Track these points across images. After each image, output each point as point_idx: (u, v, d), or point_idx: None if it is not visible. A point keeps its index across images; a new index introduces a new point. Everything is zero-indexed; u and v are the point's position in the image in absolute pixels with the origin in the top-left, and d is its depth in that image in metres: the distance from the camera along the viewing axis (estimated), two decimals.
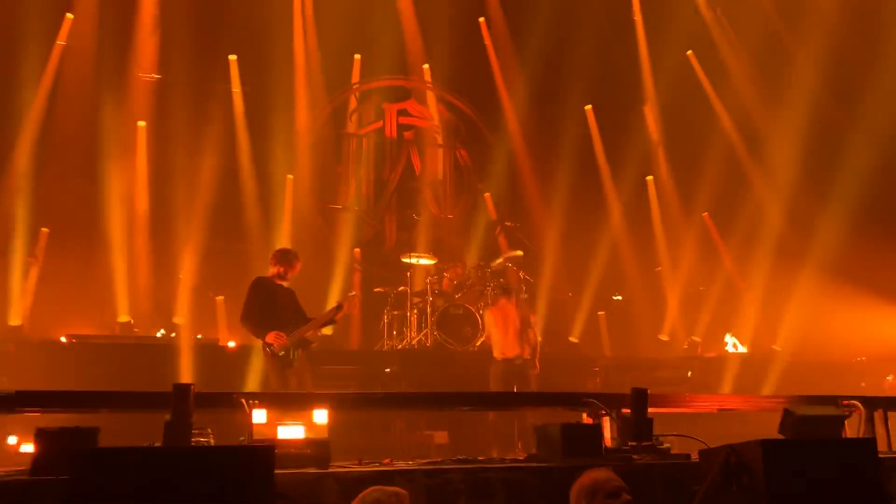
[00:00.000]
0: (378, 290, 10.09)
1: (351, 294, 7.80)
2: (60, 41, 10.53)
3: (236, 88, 11.51)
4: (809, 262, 11.20)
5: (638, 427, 4.50)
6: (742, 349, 10.77)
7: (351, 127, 12.59)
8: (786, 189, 11.84)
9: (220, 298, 10.24)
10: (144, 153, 10.79)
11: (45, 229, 9.92)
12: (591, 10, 12.44)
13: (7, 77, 10.06)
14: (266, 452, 2.42)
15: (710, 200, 12.31)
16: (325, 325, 7.09)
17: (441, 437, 7.61)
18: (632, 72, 13.07)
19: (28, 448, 6.16)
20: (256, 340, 7.24)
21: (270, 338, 6.59)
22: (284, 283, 7.07)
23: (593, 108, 13.08)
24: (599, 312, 11.76)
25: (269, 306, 6.82)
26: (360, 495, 2.88)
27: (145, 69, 10.85)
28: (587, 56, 12.22)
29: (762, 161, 12.44)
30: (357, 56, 12.23)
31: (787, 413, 4.76)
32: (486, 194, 12.80)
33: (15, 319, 9.21)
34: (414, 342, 9.42)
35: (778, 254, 11.53)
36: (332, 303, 8.27)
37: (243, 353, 8.07)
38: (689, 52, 13.12)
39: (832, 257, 11.01)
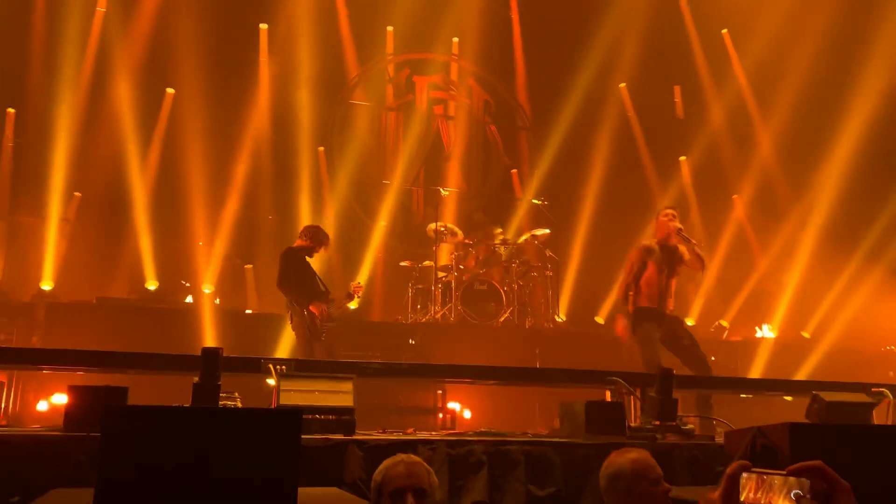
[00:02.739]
0: (403, 263, 10.11)
1: (356, 283, 7.99)
2: (100, 7, 10.59)
3: (264, 57, 11.50)
4: (842, 249, 10.99)
5: (662, 407, 4.48)
6: (770, 334, 10.64)
7: (388, 101, 12.54)
8: (826, 172, 11.54)
9: (249, 267, 10.34)
10: (166, 119, 10.83)
11: (77, 193, 10.05)
12: None
13: (50, 42, 10.16)
14: (294, 416, 2.44)
15: (745, 183, 12.10)
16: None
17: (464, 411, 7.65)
18: (668, 50, 12.80)
19: (43, 406, 6.36)
20: (281, 308, 7.35)
21: (315, 308, 6.75)
22: (310, 259, 7.24)
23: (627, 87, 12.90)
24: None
25: (302, 277, 6.98)
26: (384, 465, 2.82)
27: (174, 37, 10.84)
28: (624, 33, 12.03)
29: (802, 143, 12.06)
30: (389, 28, 12.13)
31: (815, 398, 4.72)
32: (513, 171, 12.71)
33: (47, 282, 9.36)
34: (437, 316, 9.45)
35: (810, 239, 11.32)
36: (359, 277, 8.49)
37: (267, 320, 8.16)
38: (724, 30, 12.86)
39: (867, 244, 10.80)
